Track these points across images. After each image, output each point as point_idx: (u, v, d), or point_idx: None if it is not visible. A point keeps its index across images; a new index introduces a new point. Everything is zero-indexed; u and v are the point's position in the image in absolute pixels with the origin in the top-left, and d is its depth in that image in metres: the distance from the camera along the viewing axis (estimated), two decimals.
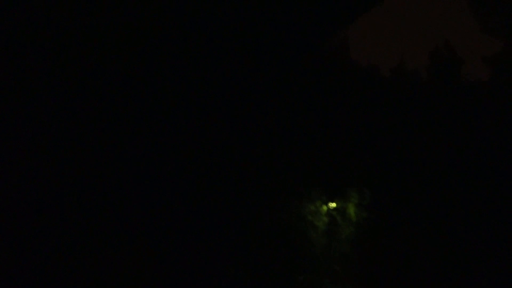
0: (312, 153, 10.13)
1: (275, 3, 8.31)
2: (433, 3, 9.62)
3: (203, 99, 8.68)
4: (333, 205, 9.87)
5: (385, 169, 10.02)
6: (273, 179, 10.05)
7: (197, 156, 8.69)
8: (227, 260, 9.64)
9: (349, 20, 9.83)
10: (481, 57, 9.11)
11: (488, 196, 9.05)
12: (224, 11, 7.85)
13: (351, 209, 9.86)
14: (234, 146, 10.01)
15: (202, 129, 8.33)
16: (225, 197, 9.67)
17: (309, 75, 10.17)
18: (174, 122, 8.09)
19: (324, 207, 9.94)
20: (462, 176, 9.38)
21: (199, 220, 9.08)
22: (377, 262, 9.86)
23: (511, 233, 9.04)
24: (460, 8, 9.41)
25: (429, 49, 9.95)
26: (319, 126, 10.07)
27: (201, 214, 8.98)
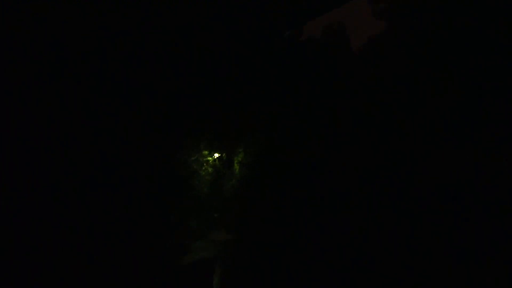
0: (205, 108, 10.29)
1: None
2: None
3: None
4: (216, 155, 10.16)
5: (272, 132, 10.64)
6: (164, 131, 9.99)
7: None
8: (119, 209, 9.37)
9: None
10: (367, 36, 10.37)
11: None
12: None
13: (236, 166, 10.28)
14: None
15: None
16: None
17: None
18: None
19: (210, 158, 10.17)
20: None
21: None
22: (252, 213, 10.44)
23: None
24: None
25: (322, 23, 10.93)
26: (218, 82, 10.29)
27: None
